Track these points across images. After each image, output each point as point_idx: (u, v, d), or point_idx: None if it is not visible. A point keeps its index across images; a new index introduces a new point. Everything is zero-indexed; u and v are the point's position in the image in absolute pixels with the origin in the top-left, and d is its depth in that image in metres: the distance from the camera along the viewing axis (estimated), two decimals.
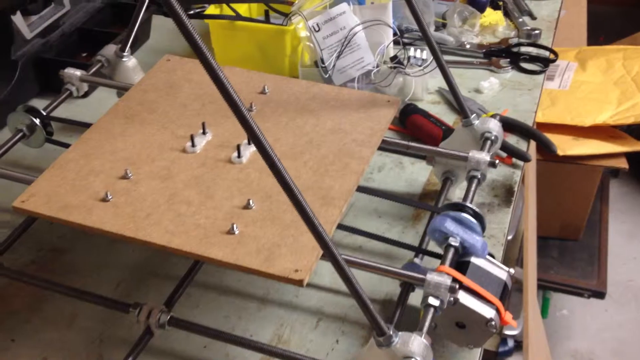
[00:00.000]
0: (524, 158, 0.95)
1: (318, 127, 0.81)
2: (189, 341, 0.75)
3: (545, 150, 0.97)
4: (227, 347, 0.74)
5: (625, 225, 2.39)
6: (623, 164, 1.65)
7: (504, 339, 1.91)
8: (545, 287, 1.89)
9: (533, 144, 1.37)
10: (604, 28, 2.44)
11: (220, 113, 0.83)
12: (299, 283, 0.62)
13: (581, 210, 1.87)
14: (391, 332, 0.60)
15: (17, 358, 0.74)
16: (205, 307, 0.79)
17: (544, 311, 2.05)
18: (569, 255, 1.92)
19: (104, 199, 0.71)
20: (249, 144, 0.78)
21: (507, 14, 1.29)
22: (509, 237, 1.41)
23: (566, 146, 1.62)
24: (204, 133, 0.80)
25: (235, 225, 0.67)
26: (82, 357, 0.74)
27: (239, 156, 0.76)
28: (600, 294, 1.83)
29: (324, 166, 0.75)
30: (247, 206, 0.70)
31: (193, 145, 0.77)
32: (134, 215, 0.69)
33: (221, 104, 0.81)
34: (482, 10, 1.25)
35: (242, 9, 1.16)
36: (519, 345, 1.95)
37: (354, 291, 0.58)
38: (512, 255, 1.51)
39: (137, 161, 0.76)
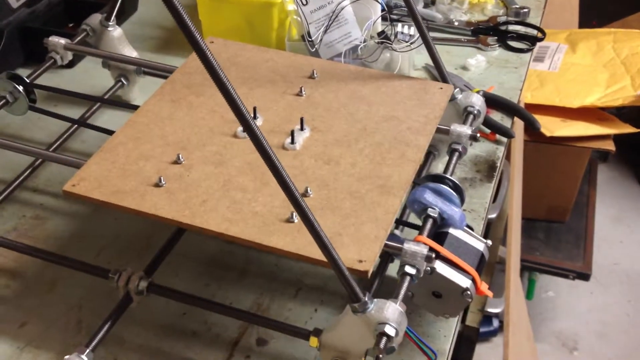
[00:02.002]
0: (508, 134, 0.95)
1: (371, 114, 0.80)
2: (169, 308, 0.75)
3: (529, 127, 0.98)
4: (206, 315, 0.75)
5: (612, 209, 2.40)
6: (610, 146, 1.66)
7: (488, 318, 1.93)
8: (531, 268, 1.91)
9: (521, 124, 1.37)
10: (597, 12, 2.43)
11: (269, 97, 0.81)
12: (364, 274, 0.62)
13: (568, 192, 1.88)
14: (367, 299, 0.61)
15: None
16: (185, 276, 0.80)
17: (530, 292, 2.06)
18: (555, 237, 1.93)
19: (157, 184, 0.69)
20: (301, 129, 0.76)
21: None
22: (493, 216, 1.42)
23: (554, 127, 1.62)
24: (254, 117, 0.78)
25: (294, 214, 0.66)
26: (61, 323, 0.74)
27: (292, 142, 0.75)
28: (585, 276, 1.84)
29: (380, 154, 0.74)
30: (304, 194, 0.69)
31: (244, 130, 0.76)
32: (188, 201, 0.68)
33: (269, 89, 0.83)
34: None
35: None
36: (503, 325, 1.96)
37: (330, 258, 0.58)
38: (497, 235, 1.52)
39: (188, 146, 0.74)
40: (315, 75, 0.85)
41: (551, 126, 1.62)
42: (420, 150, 0.75)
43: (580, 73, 1.71)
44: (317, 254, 0.60)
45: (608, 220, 2.36)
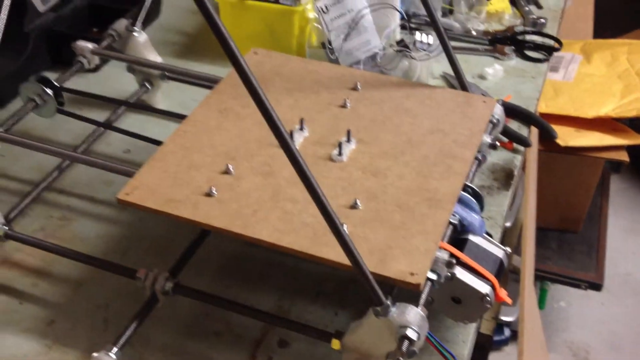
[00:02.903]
0: (525, 143, 0.96)
1: (415, 127, 0.80)
2: (192, 308, 0.77)
3: (546, 136, 0.99)
4: (228, 315, 0.76)
5: (625, 220, 2.40)
6: (624, 156, 1.67)
7: (500, 327, 1.93)
8: (543, 277, 1.91)
9: (535, 133, 1.38)
10: (612, 23, 2.44)
11: (314, 109, 0.82)
12: (415, 287, 0.62)
13: (581, 202, 1.89)
14: (389, 302, 0.62)
15: (25, 320, 0.76)
16: (207, 277, 0.81)
17: (542, 302, 2.07)
18: (568, 247, 1.93)
19: (209, 194, 0.70)
20: (347, 141, 0.77)
21: (513, 3, 1.30)
22: (508, 224, 1.43)
23: (568, 137, 1.63)
24: (301, 129, 0.79)
25: (344, 225, 0.66)
26: (88, 322, 0.76)
27: (339, 154, 0.76)
28: (597, 286, 1.85)
29: (426, 167, 0.74)
30: (353, 206, 0.70)
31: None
32: (240, 211, 0.69)
33: (314, 100, 0.84)
34: None
35: None
36: (515, 334, 1.97)
37: (354, 261, 0.60)
38: (511, 244, 1.53)
39: (237, 156, 0.75)
40: (359, 87, 0.86)
41: (565, 136, 1.63)
42: (467, 163, 0.76)
43: (595, 83, 1.72)
44: (370, 266, 0.60)
45: (620, 231, 2.36)
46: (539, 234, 1.92)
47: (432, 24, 0.84)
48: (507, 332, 1.95)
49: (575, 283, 1.86)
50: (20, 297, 0.79)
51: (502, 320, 1.80)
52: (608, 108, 1.65)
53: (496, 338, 1.92)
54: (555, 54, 1.81)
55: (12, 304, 0.78)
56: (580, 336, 2.07)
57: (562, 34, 1.86)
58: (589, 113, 1.64)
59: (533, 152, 1.44)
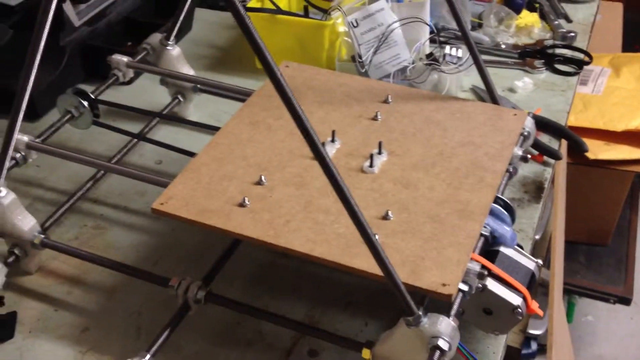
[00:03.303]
0: (555, 156, 0.96)
1: (446, 139, 0.81)
2: (224, 317, 0.78)
3: (576, 149, 0.99)
4: (259, 324, 0.77)
5: None
6: None
7: (527, 341, 1.92)
8: (571, 291, 1.90)
9: (564, 146, 1.38)
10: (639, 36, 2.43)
11: (345, 122, 0.84)
12: (447, 298, 0.63)
13: (610, 215, 1.87)
14: (420, 313, 0.62)
15: (59, 327, 0.78)
16: (239, 286, 0.82)
17: (569, 316, 2.05)
18: (597, 260, 1.91)
19: (242, 204, 0.72)
20: (379, 153, 0.78)
21: (543, 16, 1.30)
22: (537, 237, 1.42)
23: (597, 150, 1.63)
24: (332, 141, 0.80)
25: (376, 236, 0.66)
26: (121, 328, 0.77)
27: (371, 165, 0.77)
28: (626, 300, 1.83)
29: (457, 179, 0.75)
30: (385, 217, 0.70)
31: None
32: (272, 221, 0.70)
33: (345, 113, 0.86)
34: (518, 11, 1.26)
35: (282, 3, 1.19)
36: (542, 348, 1.95)
37: (386, 272, 0.60)
38: (540, 256, 1.52)
39: (269, 167, 0.77)
40: (390, 100, 0.87)
41: (594, 149, 1.62)
42: (498, 176, 0.76)
43: (624, 97, 1.71)
44: (402, 277, 0.61)
45: None
46: (568, 247, 1.91)
47: (462, 36, 0.84)
48: (534, 345, 1.93)
49: (604, 297, 1.85)
50: (56, 305, 0.80)
51: (529, 333, 1.78)
52: (638, 121, 1.64)
53: (523, 352, 1.90)
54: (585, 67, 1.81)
55: (48, 311, 0.79)
56: (608, 350, 2.05)
57: (591, 48, 1.85)
58: (618, 126, 1.63)
59: (562, 165, 1.43)
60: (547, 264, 1.60)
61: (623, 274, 1.88)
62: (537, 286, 1.55)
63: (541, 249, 1.54)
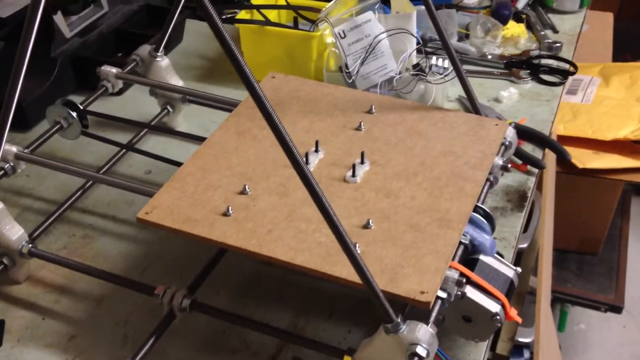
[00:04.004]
0: (539, 165, 0.97)
1: (428, 149, 0.82)
2: (210, 325, 0.79)
3: (560, 158, 1.00)
4: (244, 333, 0.78)
5: None
6: None
7: (519, 349, 1.92)
8: (563, 299, 1.91)
9: (553, 156, 1.39)
10: (632, 46, 2.45)
11: (330, 131, 0.85)
12: (425, 305, 0.63)
13: (601, 224, 1.88)
14: (399, 320, 0.63)
15: (47, 335, 0.79)
16: (225, 295, 0.83)
17: (562, 325, 2.06)
18: (588, 269, 1.93)
19: (225, 214, 0.73)
20: (361, 163, 0.79)
21: (529, 27, 1.32)
22: (524, 245, 1.43)
23: (586, 159, 1.64)
24: (316, 151, 0.81)
25: (357, 245, 0.69)
26: (108, 336, 0.78)
27: (353, 175, 0.78)
28: (617, 309, 1.84)
29: (438, 188, 0.76)
30: (366, 226, 0.72)
31: (307, 162, 0.79)
32: (255, 230, 0.71)
33: (330, 123, 0.87)
34: (504, 22, 1.28)
35: (272, 15, 1.21)
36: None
37: (365, 280, 0.62)
38: (529, 265, 1.54)
39: (253, 177, 0.78)
40: (374, 110, 0.88)
41: (583, 158, 1.63)
42: (478, 185, 0.77)
43: (614, 106, 1.73)
44: (381, 284, 0.63)
45: None
46: (558, 256, 1.93)
47: (443, 46, 0.86)
48: (526, 354, 1.94)
49: (595, 305, 1.86)
50: (43, 313, 0.81)
51: (519, 341, 1.79)
52: (627, 131, 1.65)
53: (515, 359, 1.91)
54: (574, 77, 1.82)
55: (36, 319, 0.80)
56: (600, 359, 2.06)
57: (580, 58, 1.87)
58: (607, 135, 1.65)
59: (550, 174, 1.45)
60: (536, 272, 1.61)
61: (614, 282, 1.89)
62: (525, 294, 1.57)
63: (530, 257, 1.55)
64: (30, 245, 0.81)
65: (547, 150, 1.04)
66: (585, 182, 1.73)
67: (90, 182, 0.95)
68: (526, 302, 1.60)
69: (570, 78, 1.71)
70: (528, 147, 1.03)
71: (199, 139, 1.00)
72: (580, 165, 1.62)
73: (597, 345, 2.10)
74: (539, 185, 1.43)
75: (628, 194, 2.13)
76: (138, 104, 1.15)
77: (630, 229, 2.05)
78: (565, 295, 1.88)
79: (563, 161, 1.01)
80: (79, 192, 0.94)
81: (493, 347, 1.41)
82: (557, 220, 1.62)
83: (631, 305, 2.13)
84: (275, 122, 0.57)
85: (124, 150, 1.00)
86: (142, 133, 1.04)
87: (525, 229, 1.48)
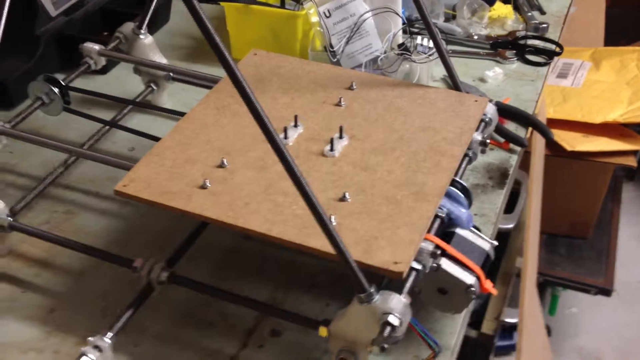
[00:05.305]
0: (520, 143, 0.98)
1: (407, 125, 0.82)
2: (188, 298, 0.79)
3: (543, 136, 1.00)
4: (223, 306, 0.78)
5: (638, 228, 2.40)
6: (632, 162, 1.67)
7: (509, 332, 1.93)
8: (553, 283, 1.92)
9: (542, 138, 1.40)
10: (625, 32, 2.45)
11: (310, 107, 0.85)
12: (398, 275, 0.64)
13: (591, 208, 1.89)
14: (372, 290, 0.64)
15: (27, 308, 0.79)
16: (205, 268, 0.83)
17: (553, 308, 2.07)
18: (577, 252, 1.93)
19: (203, 187, 0.73)
20: (340, 137, 0.79)
21: (517, 8, 1.32)
22: (510, 226, 1.44)
23: (575, 142, 1.64)
24: (295, 126, 0.81)
25: (332, 217, 0.69)
26: (87, 310, 0.79)
27: (331, 149, 0.78)
28: (606, 291, 1.85)
29: (415, 163, 0.77)
30: (342, 199, 0.72)
31: (286, 137, 0.79)
32: (232, 203, 0.71)
33: (310, 99, 0.87)
34: (491, 3, 1.28)
35: None
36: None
37: (339, 251, 0.62)
38: (516, 246, 1.54)
39: (232, 151, 0.78)
40: (354, 87, 0.88)
41: (572, 141, 1.64)
42: (455, 159, 0.77)
43: (604, 90, 1.73)
44: (355, 255, 0.63)
45: (634, 238, 2.36)
46: (548, 240, 1.93)
47: (424, 24, 0.86)
48: (516, 336, 1.95)
49: (584, 288, 1.87)
50: (23, 287, 0.82)
51: (506, 321, 1.80)
52: (616, 114, 1.66)
53: (505, 343, 1.92)
54: (565, 60, 1.83)
55: (15, 292, 0.81)
56: (590, 342, 2.07)
57: (572, 42, 1.87)
58: (597, 118, 1.65)
59: (539, 155, 1.45)
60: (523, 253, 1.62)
61: (604, 265, 1.90)
62: (512, 275, 1.57)
63: (517, 239, 1.56)
64: (10, 219, 0.81)
65: (536, 132, 1.04)
66: (574, 165, 1.74)
67: (73, 158, 0.94)
68: (515, 284, 1.61)
69: (562, 62, 1.71)
70: (511, 126, 1.03)
71: (183, 116, 1.00)
72: (569, 148, 1.63)
73: (588, 328, 2.11)
74: (527, 167, 1.44)
75: (619, 178, 2.13)
76: (123, 82, 1.15)
77: (621, 214, 2.06)
78: (554, 277, 1.89)
79: (547, 140, 1.02)
80: (62, 168, 0.94)
81: (478, 327, 1.42)
82: (547, 204, 1.62)
83: (622, 290, 2.14)
84: (248, 94, 0.57)
85: (108, 127, 1.00)
86: (126, 110, 1.04)
87: (512, 209, 1.49)
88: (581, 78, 1.78)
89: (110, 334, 0.70)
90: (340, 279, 0.82)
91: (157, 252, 0.85)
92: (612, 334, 2.08)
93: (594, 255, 1.92)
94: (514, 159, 0.99)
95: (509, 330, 1.90)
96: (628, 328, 2.10)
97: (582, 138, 1.66)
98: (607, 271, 1.88)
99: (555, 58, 1.26)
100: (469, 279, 0.70)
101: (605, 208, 1.98)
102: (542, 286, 1.95)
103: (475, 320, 1.43)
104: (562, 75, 1.78)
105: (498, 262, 1.51)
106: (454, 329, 0.77)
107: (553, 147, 1.64)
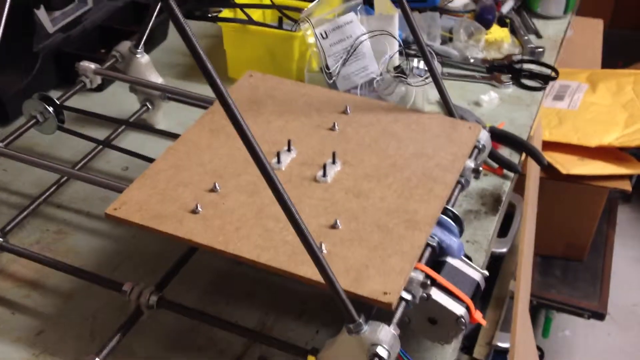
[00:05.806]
0: (514, 169, 0.98)
1: (401, 150, 0.82)
2: (178, 323, 0.79)
3: (536, 162, 1.00)
4: (212, 331, 0.78)
5: (633, 250, 2.39)
6: (627, 186, 1.67)
7: (503, 355, 1.92)
8: (547, 305, 1.91)
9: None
10: (623, 53, 2.46)
11: (304, 131, 0.85)
12: (387, 306, 0.64)
13: (586, 231, 1.89)
14: (361, 320, 0.63)
15: (15, 330, 0.79)
16: (195, 292, 0.83)
17: (546, 331, 2.06)
18: (572, 275, 1.93)
19: (194, 211, 0.73)
20: (333, 163, 0.79)
21: (513, 32, 1.32)
22: (503, 250, 1.43)
23: (571, 165, 1.64)
24: (288, 150, 0.81)
25: (322, 244, 0.69)
26: (75, 332, 0.78)
27: (324, 175, 0.78)
28: (600, 315, 1.84)
29: (408, 189, 0.76)
30: (334, 226, 0.72)
31: (279, 161, 0.79)
32: (223, 228, 0.71)
33: (304, 122, 0.87)
34: (488, 26, 1.28)
35: (256, 14, 1.21)
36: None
37: (328, 280, 0.62)
38: (509, 270, 1.54)
39: (224, 174, 0.78)
40: (349, 111, 0.88)
41: (568, 164, 1.64)
42: (448, 187, 0.77)
43: (599, 112, 1.73)
44: (344, 284, 0.63)
45: (628, 262, 2.35)
46: (543, 262, 1.93)
47: (418, 47, 0.86)
48: None
49: (578, 312, 1.86)
50: (13, 308, 0.81)
51: (499, 346, 1.79)
52: (612, 137, 1.65)
53: None
54: (561, 82, 1.83)
55: (5, 314, 0.80)
56: None
57: (569, 64, 1.87)
58: (592, 142, 1.65)
59: (534, 179, 1.45)
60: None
61: (598, 289, 1.89)
62: (505, 299, 1.57)
63: (510, 262, 1.55)
64: (1, 240, 0.81)
65: (525, 155, 1.04)
66: (570, 188, 1.73)
67: (66, 177, 0.94)
68: (508, 308, 1.61)
69: (558, 84, 1.71)
70: (505, 152, 1.03)
71: (177, 137, 1.00)
72: (564, 171, 1.62)
73: (582, 352, 2.10)
74: (522, 190, 1.44)
75: (614, 201, 2.13)
76: (119, 100, 1.15)
77: (616, 236, 2.06)
78: (548, 300, 1.88)
79: (540, 165, 1.02)
80: (54, 187, 0.94)
81: (470, 352, 1.41)
82: (542, 226, 1.62)
83: (617, 313, 2.13)
84: (238, 120, 0.57)
85: (101, 146, 1.00)
86: (120, 129, 1.04)
87: (506, 233, 1.48)
88: (577, 100, 1.78)
89: (97, 359, 0.69)
90: (331, 305, 0.81)
91: (148, 274, 0.84)
92: (606, 358, 2.07)
93: (589, 278, 1.92)
94: (507, 185, 0.99)
95: (501, 355, 1.89)
96: (622, 352, 2.09)
97: (577, 161, 1.66)
98: (602, 294, 1.87)
99: None
100: (458, 309, 0.70)
101: (601, 231, 1.98)
102: (536, 308, 1.94)
103: (468, 345, 1.43)
104: (559, 97, 1.78)
105: (491, 287, 1.51)
106: (443, 358, 0.76)
107: (548, 170, 1.64)
